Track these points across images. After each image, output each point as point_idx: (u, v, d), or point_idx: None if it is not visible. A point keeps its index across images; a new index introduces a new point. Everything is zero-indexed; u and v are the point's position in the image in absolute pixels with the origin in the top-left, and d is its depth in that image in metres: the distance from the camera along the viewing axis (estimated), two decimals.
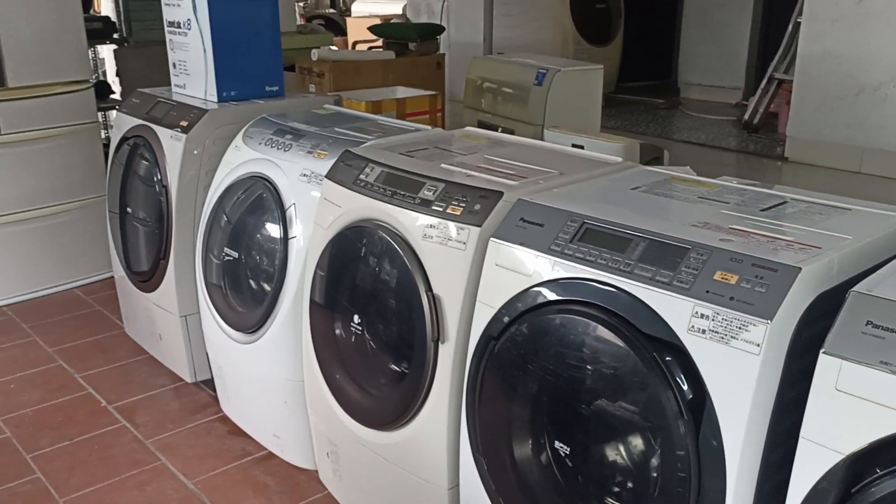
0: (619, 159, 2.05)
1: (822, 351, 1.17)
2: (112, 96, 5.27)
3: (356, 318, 1.98)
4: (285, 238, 2.22)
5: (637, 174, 1.92)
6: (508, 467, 1.61)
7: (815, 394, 1.17)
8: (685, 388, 1.31)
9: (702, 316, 1.30)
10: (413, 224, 1.80)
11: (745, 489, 1.28)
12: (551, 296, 1.51)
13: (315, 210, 2.12)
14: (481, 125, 4.19)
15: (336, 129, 2.45)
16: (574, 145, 2.77)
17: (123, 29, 5.37)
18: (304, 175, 2.24)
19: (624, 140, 3.10)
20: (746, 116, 6.22)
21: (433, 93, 4.36)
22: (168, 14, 2.94)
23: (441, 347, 1.74)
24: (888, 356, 1.11)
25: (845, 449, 1.13)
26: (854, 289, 1.20)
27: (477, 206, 1.72)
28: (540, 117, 4.25)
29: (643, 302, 1.38)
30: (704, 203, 1.65)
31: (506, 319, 1.58)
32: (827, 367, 1.16)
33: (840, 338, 1.16)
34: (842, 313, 1.18)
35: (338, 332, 2.04)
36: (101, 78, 5.71)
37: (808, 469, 1.18)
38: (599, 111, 4.50)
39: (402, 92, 4.37)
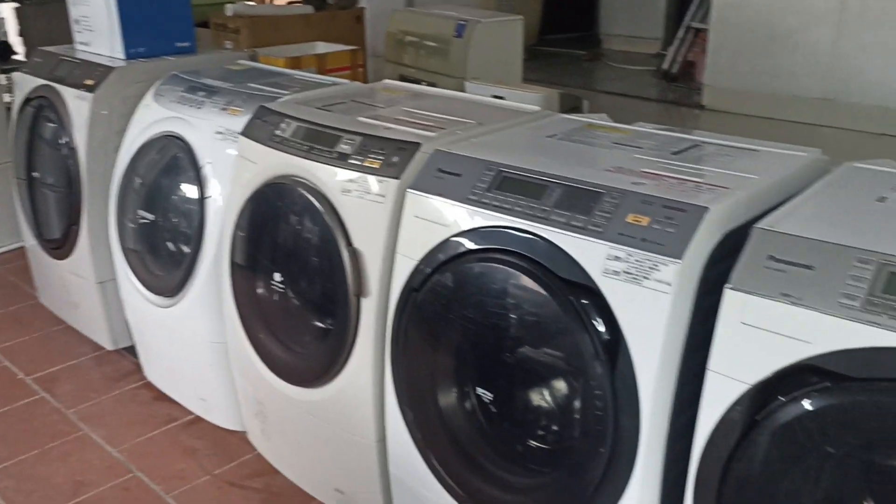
0: (538, 108, 2.05)
1: (727, 286, 1.20)
2: (14, 57, 5.01)
3: (278, 277, 1.95)
4: (202, 198, 2.16)
5: (554, 122, 1.93)
6: (434, 417, 1.63)
7: (721, 328, 1.21)
8: (601, 329, 1.34)
9: (615, 258, 1.33)
10: (331, 179, 1.77)
11: (658, 424, 1.32)
12: (470, 245, 1.52)
13: (232, 168, 2.07)
14: (403, 80, 4.14)
15: (251, 84, 2.38)
16: (495, 97, 2.77)
17: None
18: (219, 133, 2.18)
19: (544, 90, 3.11)
20: (665, 66, 6.31)
21: (354, 48, 4.28)
22: None
23: (363, 302, 1.74)
24: (789, 288, 1.15)
25: (751, 379, 1.18)
26: (757, 225, 1.24)
27: (395, 159, 1.71)
28: (462, 70, 4.22)
29: (559, 247, 1.40)
30: (619, 148, 1.68)
31: (426, 271, 1.58)
32: (732, 301, 1.20)
33: (744, 273, 1.20)
34: (745, 249, 1.22)
35: (260, 291, 2.01)
36: (3, 38, 5.42)
37: (716, 400, 1.22)
38: (521, 62, 4.49)
39: (322, 47, 4.28)
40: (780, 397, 1.16)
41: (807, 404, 1.12)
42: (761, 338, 1.17)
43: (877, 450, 1.15)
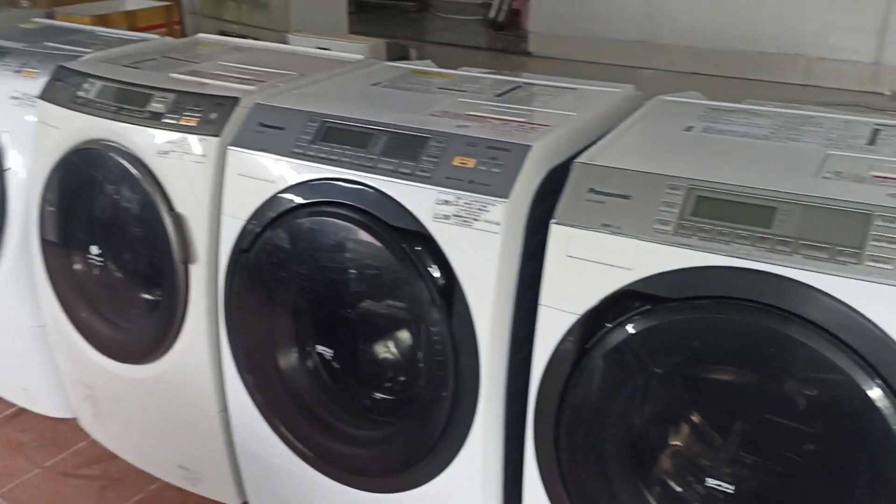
0: (361, 57, 2.00)
1: (552, 221, 1.23)
2: None
3: (95, 250, 1.81)
4: (0, 171, 1.97)
5: (378, 70, 1.90)
6: (276, 380, 1.58)
7: (549, 262, 1.24)
8: (435, 275, 1.34)
9: (445, 202, 1.32)
10: (146, 141, 1.66)
11: (497, 363, 1.35)
12: (298, 200, 1.47)
13: (32, 136, 1.89)
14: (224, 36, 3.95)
15: (48, 43, 2.17)
16: (320, 48, 2.68)
17: None
18: (15, 98, 1.98)
19: (370, 41, 3.06)
20: (491, 15, 6.38)
21: (167, 3, 4.03)
22: None
23: (192, 268, 1.65)
24: (609, 219, 1.19)
25: (579, 309, 1.22)
26: (577, 160, 1.27)
27: (213, 115, 1.62)
28: (284, 23, 4.08)
29: (388, 195, 1.38)
30: (443, 93, 1.67)
31: (255, 230, 1.52)
32: (558, 235, 1.23)
33: (567, 207, 1.23)
34: (568, 184, 1.25)
35: (77, 267, 1.86)
36: None
37: (548, 333, 1.26)
38: (346, 14, 4.40)
39: (133, 3, 3.99)
40: (606, 324, 1.20)
41: (630, 328, 1.17)
42: (586, 268, 1.21)
43: (698, 365, 1.23)
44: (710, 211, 1.14)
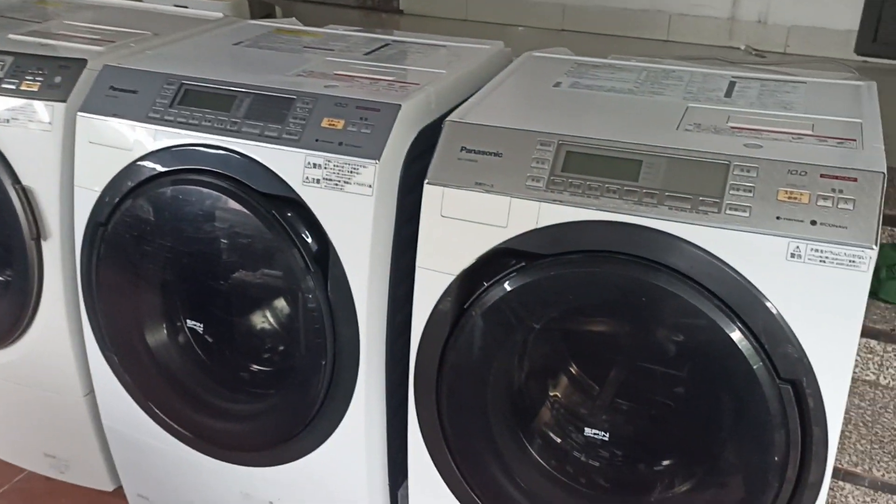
0: (221, 15, 1.90)
1: (425, 181, 1.21)
2: None
3: None
4: None
5: (240, 29, 1.80)
6: (144, 358, 1.50)
7: (424, 223, 1.23)
8: (309, 241, 1.30)
9: (314, 165, 1.28)
10: None
11: (376, 328, 1.33)
12: (158, 167, 1.38)
13: None
14: None
15: None
16: (176, 6, 2.53)
17: None
18: None
19: None
20: None
21: None
22: None
23: (44, 245, 1.53)
24: (482, 177, 1.18)
25: (455, 269, 1.21)
26: (448, 118, 1.25)
27: (57, 79, 1.50)
28: None
29: (255, 160, 1.32)
30: (310, 52, 1.61)
31: (112, 202, 1.42)
32: (431, 196, 1.21)
33: (440, 166, 1.21)
34: (439, 143, 1.23)
35: None
36: None
37: (426, 295, 1.24)
38: None
39: None
40: (483, 282, 1.20)
41: (507, 285, 1.17)
42: (461, 228, 1.20)
43: (573, 318, 1.25)
44: (580, 166, 1.15)
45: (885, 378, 1.85)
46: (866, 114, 1.26)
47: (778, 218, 1.04)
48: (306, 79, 1.41)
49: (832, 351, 1.05)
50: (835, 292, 1.03)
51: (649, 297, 1.10)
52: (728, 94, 1.37)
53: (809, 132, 1.19)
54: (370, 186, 1.25)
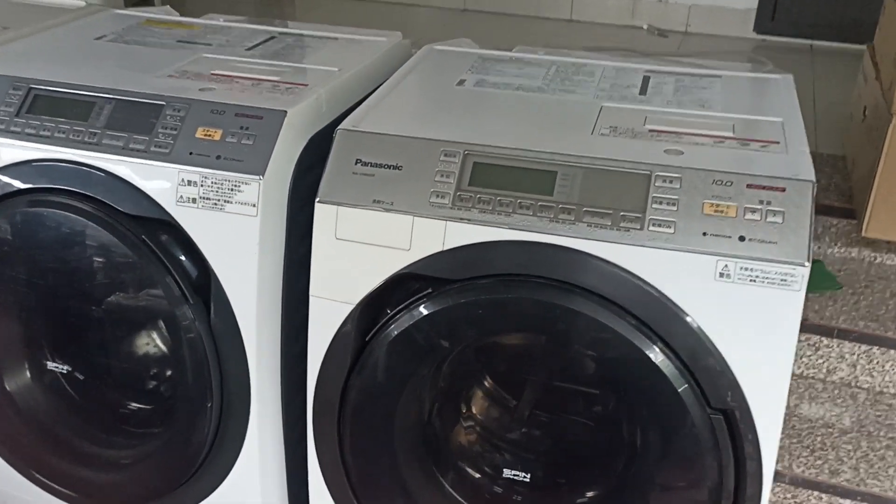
0: (82, 3, 1.69)
1: (316, 200, 1.07)
2: None
3: None
4: None
5: (105, 20, 1.60)
6: (4, 405, 1.32)
7: (316, 247, 1.09)
8: (186, 268, 1.15)
9: (189, 183, 1.12)
10: None
11: (268, 361, 1.18)
12: (4, 189, 1.19)
13: None
14: None
15: None
16: None
17: None
18: None
19: None
20: None
21: None
22: None
23: None
24: (381, 194, 1.05)
25: (354, 298, 1.08)
26: (340, 126, 1.11)
27: None
28: None
29: (119, 177, 1.15)
30: (184, 48, 1.43)
31: None
32: (324, 216, 1.07)
33: (332, 182, 1.07)
34: (331, 155, 1.09)
35: None
36: None
37: (323, 325, 1.11)
38: None
39: None
40: (387, 311, 1.08)
41: (412, 315, 1.05)
42: (359, 252, 1.06)
43: (486, 347, 1.15)
44: (489, 179, 1.03)
45: (798, 367, 1.83)
46: (786, 111, 1.19)
47: (704, 234, 0.96)
48: (178, 80, 1.24)
49: (765, 375, 0.98)
50: (767, 313, 0.95)
51: (568, 323, 1.00)
52: (643, 90, 1.28)
53: (730, 134, 1.11)
54: (254, 206, 1.10)
